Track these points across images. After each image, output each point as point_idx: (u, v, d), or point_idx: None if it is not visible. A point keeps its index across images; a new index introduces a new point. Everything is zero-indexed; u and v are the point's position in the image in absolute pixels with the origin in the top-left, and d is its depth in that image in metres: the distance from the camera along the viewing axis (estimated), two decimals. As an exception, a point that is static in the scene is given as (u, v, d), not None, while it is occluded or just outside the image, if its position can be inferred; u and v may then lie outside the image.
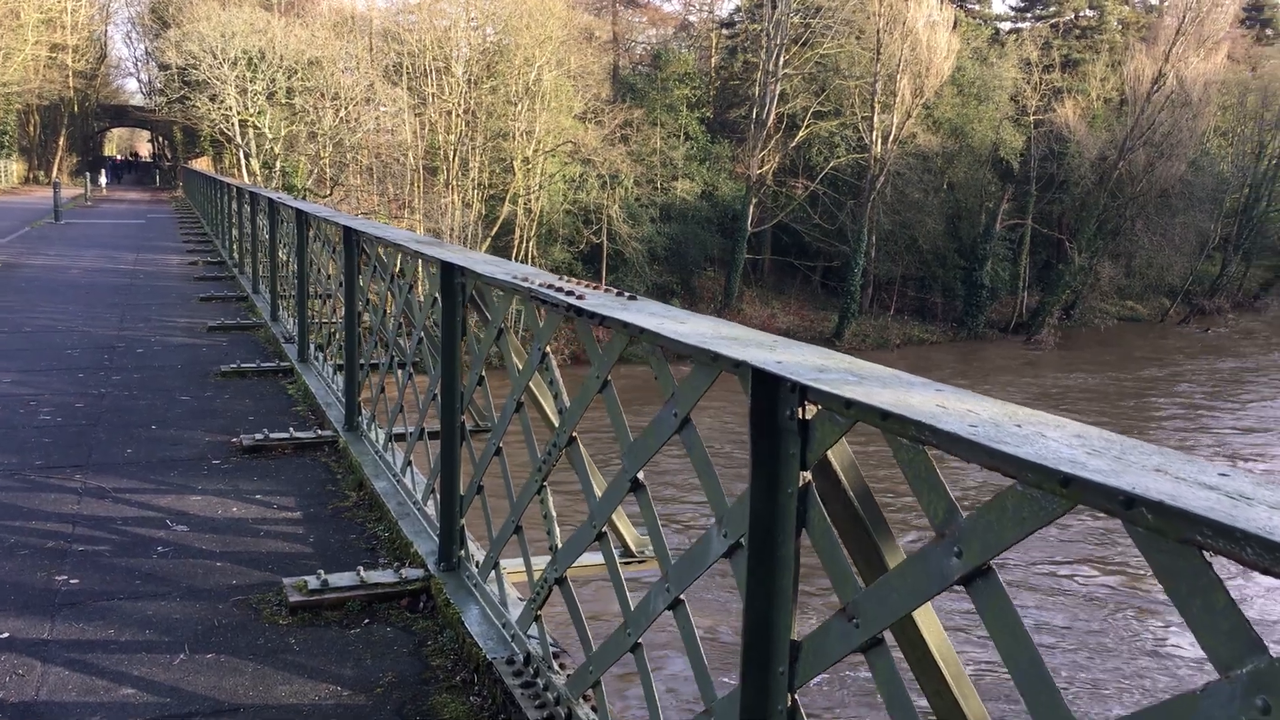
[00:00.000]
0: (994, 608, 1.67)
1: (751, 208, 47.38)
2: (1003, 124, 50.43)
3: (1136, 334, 49.82)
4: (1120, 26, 57.60)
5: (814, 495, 2.14)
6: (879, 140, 46.95)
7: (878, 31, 46.13)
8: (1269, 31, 66.39)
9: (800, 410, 2.13)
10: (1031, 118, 51.07)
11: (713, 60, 52.18)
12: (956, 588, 1.75)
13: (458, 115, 41.53)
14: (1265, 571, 1.21)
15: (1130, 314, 53.10)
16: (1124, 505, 1.38)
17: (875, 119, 46.80)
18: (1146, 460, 1.53)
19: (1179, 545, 1.32)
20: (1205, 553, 1.29)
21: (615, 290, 3.39)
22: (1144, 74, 50.08)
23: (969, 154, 49.99)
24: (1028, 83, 51.63)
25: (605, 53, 49.28)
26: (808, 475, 2.15)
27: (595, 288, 3.48)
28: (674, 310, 3.05)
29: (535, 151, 41.79)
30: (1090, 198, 50.43)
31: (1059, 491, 1.49)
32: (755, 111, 47.85)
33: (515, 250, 40.84)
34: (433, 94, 41.38)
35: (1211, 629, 1.28)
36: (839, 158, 47.90)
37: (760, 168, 47.24)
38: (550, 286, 3.49)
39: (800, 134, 47.65)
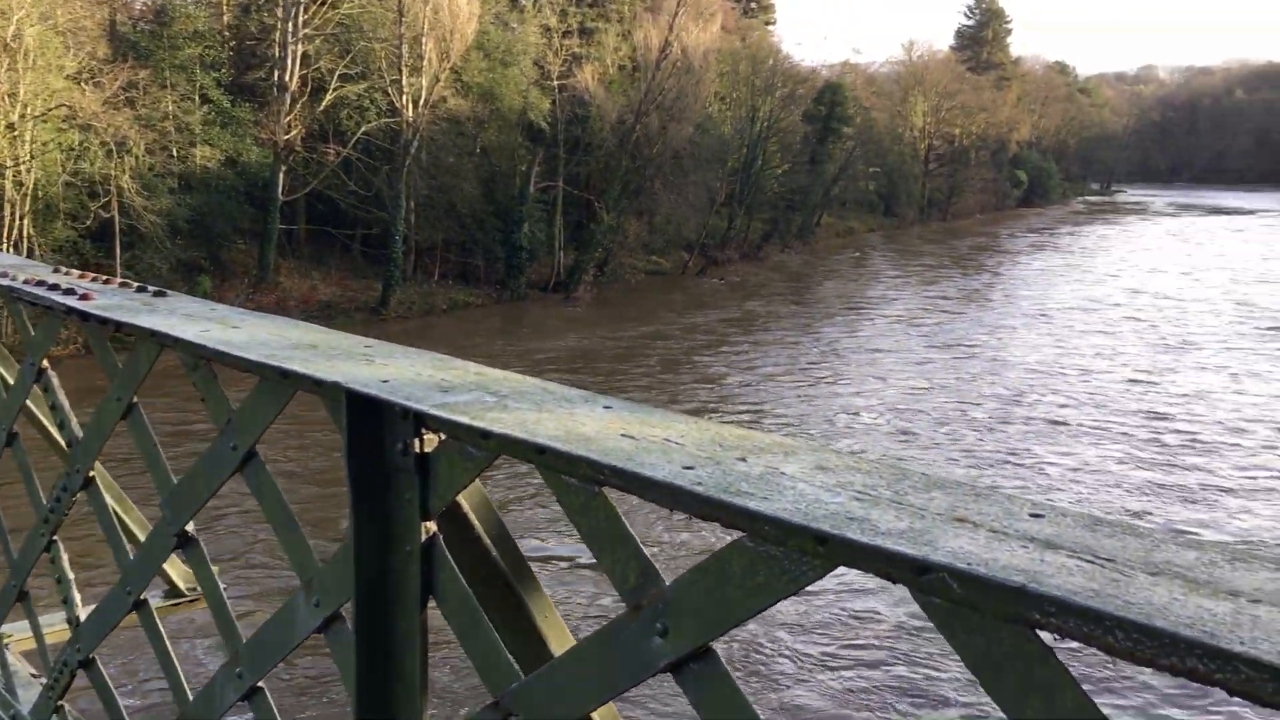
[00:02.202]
0: (715, 702, 1.31)
1: (282, 175, 45.00)
2: (529, 88, 51.75)
3: (661, 286, 53.63)
4: (629, -3, 61.10)
5: (442, 552, 1.71)
6: (410, 104, 46.37)
7: (400, -7, 45.36)
8: (754, 4, 73.65)
9: (418, 443, 1.68)
10: (555, 82, 52.85)
11: (225, 18, 48.67)
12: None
13: (-84, 74, 35.40)
14: (1147, 663, 0.92)
15: (656, 268, 57.05)
16: (916, 571, 1.05)
17: (404, 82, 46.15)
18: (931, 503, 1.19)
19: (1004, 624, 0.99)
20: (1041, 632, 0.99)
21: (135, 284, 2.75)
22: (652, 43, 53.63)
23: (499, 118, 50.86)
24: (549, 48, 53.32)
25: (99, 6, 44.25)
26: (432, 526, 1.71)
27: (109, 281, 2.79)
28: (221, 309, 2.45)
29: (22, 117, 36.69)
30: (613, 160, 53.35)
31: (813, 551, 1.15)
32: (277, 74, 45.35)
33: (6, 230, 35.77)
34: (-121, 48, 34.91)
35: None
36: (370, 122, 46.73)
37: (288, 133, 44.93)
38: (39, 282, 2.73)
39: (328, 98, 45.85)
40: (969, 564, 1.02)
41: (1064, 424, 19.91)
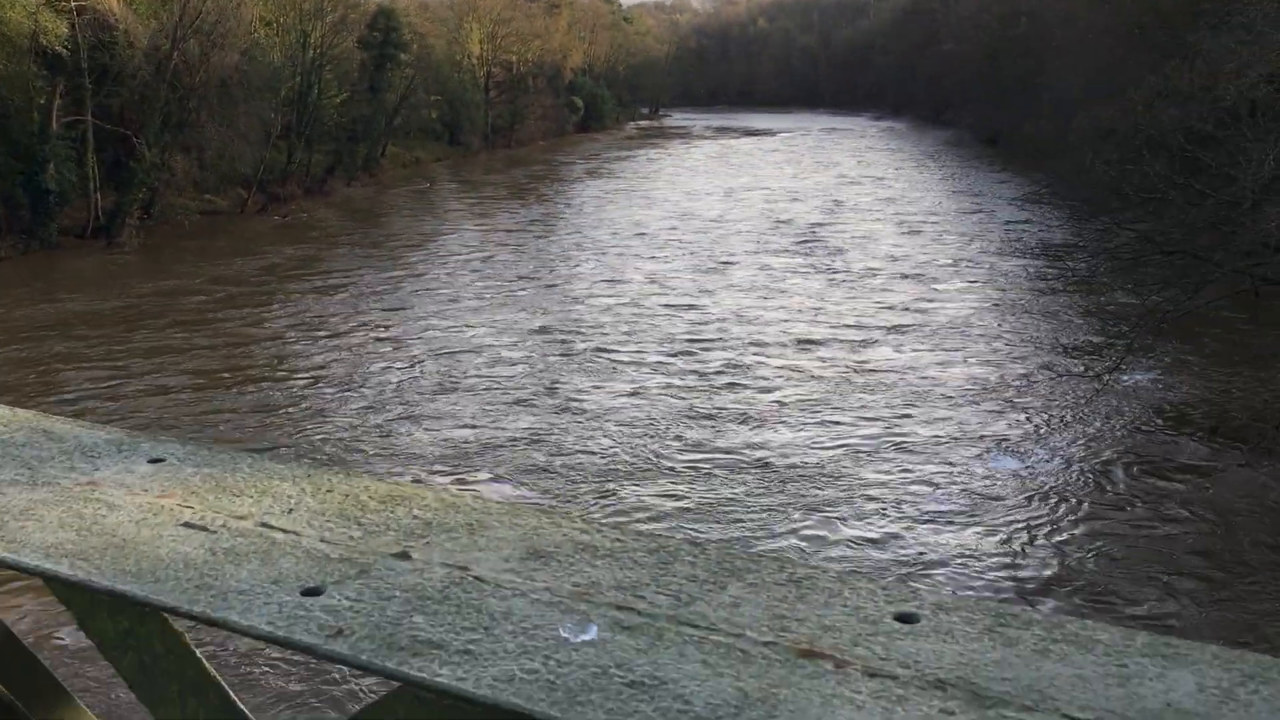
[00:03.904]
0: None
1: None
2: (40, 10, 46.25)
3: (218, 227, 50.54)
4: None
5: None
6: (-111, 28, 39.78)
7: None
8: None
9: None
10: (73, 4, 47.58)
11: None
12: None
13: None
14: None
15: (212, 207, 53.61)
16: None
17: (-121, 2, 39.44)
18: (737, 615, 0.78)
19: None
20: None
21: None
22: (185, -38, 49.54)
23: (7, 44, 45.22)
24: (62, -35, 47.82)
25: None
26: None
27: None
28: None
29: None
30: (150, 90, 49.28)
31: None
32: None
33: None
34: None
35: None
36: None
37: None
38: None
39: None
40: None
41: (609, 352, 21.28)
